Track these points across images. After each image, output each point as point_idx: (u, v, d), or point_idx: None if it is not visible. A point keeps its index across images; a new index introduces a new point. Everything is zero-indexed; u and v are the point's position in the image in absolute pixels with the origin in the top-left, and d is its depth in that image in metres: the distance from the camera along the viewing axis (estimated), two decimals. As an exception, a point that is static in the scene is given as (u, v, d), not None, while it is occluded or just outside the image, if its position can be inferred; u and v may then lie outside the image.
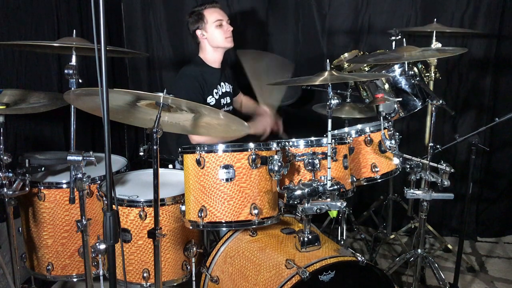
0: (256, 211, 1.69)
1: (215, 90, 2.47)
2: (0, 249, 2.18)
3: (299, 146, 1.86)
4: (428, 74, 2.45)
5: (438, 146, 2.04)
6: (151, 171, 1.70)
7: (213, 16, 2.41)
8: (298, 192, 1.64)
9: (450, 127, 3.05)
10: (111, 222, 1.21)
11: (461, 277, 2.45)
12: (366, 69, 2.50)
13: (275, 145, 1.78)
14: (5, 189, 1.89)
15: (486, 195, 3.14)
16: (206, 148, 1.70)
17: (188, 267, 2.00)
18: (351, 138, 2.04)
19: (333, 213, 1.69)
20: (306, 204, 1.65)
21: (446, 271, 2.60)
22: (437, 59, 2.44)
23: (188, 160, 1.76)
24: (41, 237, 2.12)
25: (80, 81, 1.71)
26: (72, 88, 1.69)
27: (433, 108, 2.07)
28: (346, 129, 2.36)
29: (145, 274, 1.92)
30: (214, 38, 2.43)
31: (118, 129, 3.47)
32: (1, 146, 1.90)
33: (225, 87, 2.55)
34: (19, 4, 2.48)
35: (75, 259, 2.15)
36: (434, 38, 2.43)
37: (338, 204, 1.67)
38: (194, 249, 1.95)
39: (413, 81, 2.21)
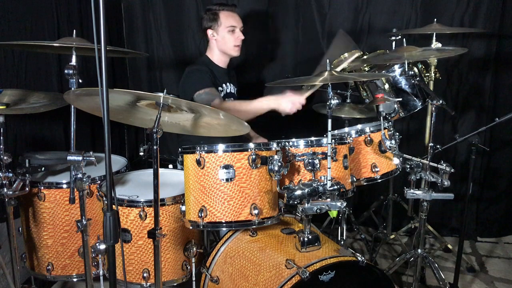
0: (256, 211, 1.69)
1: (220, 89, 2.47)
2: (0, 249, 2.18)
3: (299, 146, 1.86)
4: (428, 74, 2.45)
5: (438, 146, 2.04)
6: (151, 171, 1.70)
7: (228, 21, 2.40)
8: (298, 192, 1.64)
9: (450, 127, 3.05)
10: (111, 222, 1.21)
11: (461, 277, 2.45)
12: (366, 69, 2.50)
13: (275, 145, 1.78)
14: (5, 189, 1.88)
15: (486, 195, 3.14)
16: (206, 148, 1.70)
17: (188, 267, 2.00)
18: (351, 138, 2.04)
19: (333, 213, 1.69)
20: (306, 204, 1.65)
21: (446, 271, 2.60)
22: (437, 59, 2.44)
23: (188, 160, 1.76)
24: (41, 237, 2.12)
25: (80, 81, 1.71)
26: (72, 88, 1.69)
27: (433, 108, 2.08)
28: (346, 129, 2.36)
29: (145, 274, 1.92)
30: (224, 42, 2.43)
31: (118, 129, 3.47)
32: (1, 146, 1.89)
33: (230, 88, 2.56)
34: (19, 4, 2.48)
35: (75, 259, 2.14)
36: (434, 38, 2.43)
37: (338, 204, 1.67)
38: (194, 249, 1.95)
39: (413, 81, 2.21)
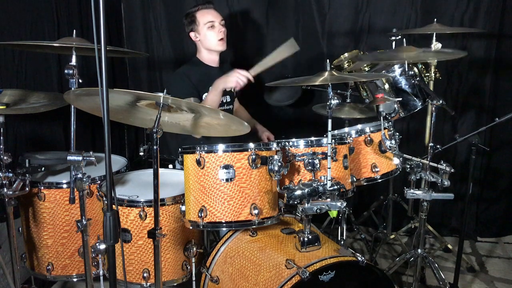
0: (256, 211, 1.69)
1: (210, 87, 2.47)
2: (0, 249, 2.18)
3: (299, 146, 1.86)
4: (428, 74, 2.45)
5: (438, 146, 2.04)
6: (151, 171, 1.70)
7: (205, 18, 2.41)
8: (298, 192, 1.64)
9: (450, 127, 3.05)
10: (111, 222, 1.21)
11: (461, 277, 2.45)
12: (366, 69, 2.50)
13: (275, 145, 1.78)
14: (5, 189, 1.88)
15: (486, 195, 3.14)
16: (206, 148, 1.70)
17: (188, 267, 2.00)
18: (351, 138, 2.04)
19: (333, 213, 1.69)
20: (306, 204, 1.65)
21: (446, 271, 2.60)
22: (437, 60, 2.44)
23: (188, 160, 1.76)
24: (41, 237, 2.12)
25: (80, 81, 1.71)
26: (72, 88, 1.69)
27: (433, 108, 2.07)
28: (346, 129, 2.36)
29: (145, 274, 1.92)
30: (207, 40, 2.44)
31: (118, 129, 3.47)
32: (1, 146, 1.89)
33: None
34: (19, 4, 2.48)
35: (75, 259, 2.15)
36: (434, 38, 2.43)
37: (338, 204, 1.67)
38: (194, 249, 1.95)
39: (413, 81, 2.21)
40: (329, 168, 1.71)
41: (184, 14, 2.52)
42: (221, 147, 1.70)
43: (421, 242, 2.16)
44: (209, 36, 2.42)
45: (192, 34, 2.47)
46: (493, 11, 2.82)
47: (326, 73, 1.76)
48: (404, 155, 1.99)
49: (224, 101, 2.55)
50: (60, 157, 2.07)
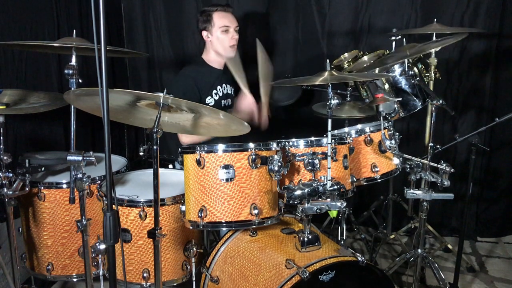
0: (256, 211, 1.69)
1: (214, 91, 2.46)
2: (0, 249, 2.18)
3: (299, 146, 1.86)
4: (428, 74, 2.45)
5: (438, 146, 2.04)
6: (151, 171, 1.70)
7: (221, 21, 2.39)
8: (298, 192, 1.64)
9: (450, 127, 3.05)
10: (111, 222, 1.21)
11: (461, 277, 2.45)
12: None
13: (275, 145, 1.78)
14: (5, 189, 1.89)
15: (486, 195, 3.14)
16: (206, 148, 1.70)
17: (188, 267, 2.00)
18: (351, 138, 2.04)
19: (333, 213, 1.69)
20: (306, 204, 1.65)
21: (446, 271, 2.60)
22: (437, 60, 2.44)
23: (188, 160, 1.76)
24: (41, 237, 2.12)
25: (80, 81, 1.71)
26: (72, 88, 1.69)
27: (433, 108, 2.08)
28: (346, 129, 2.36)
29: (145, 274, 1.92)
30: (218, 43, 2.42)
31: (118, 129, 3.47)
32: (1, 146, 1.89)
33: (227, 89, 2.55)
34: (19, 4, 2.49)
35: (75, 259, 2.15)
36: (434, 38, 2.43)
37: (338, 204, 1.67)
38: (194, 249, 1.95)
39: (413, 81, 2.21)
40: (329, 168, 1.71)
41: (201, 10, 2.49)
42: (221, 147, 1.70)
43: (421, 242, 2.16)
44: (221, 40, 2.40)
45: (204, 33, 2.45)
46: (493, 11, 2.82)
47: (326, 73, 1.76)
48: (404, 155, 1.99)
49: (225, 104, 2.55)
50: (60, 157, 2.07)
